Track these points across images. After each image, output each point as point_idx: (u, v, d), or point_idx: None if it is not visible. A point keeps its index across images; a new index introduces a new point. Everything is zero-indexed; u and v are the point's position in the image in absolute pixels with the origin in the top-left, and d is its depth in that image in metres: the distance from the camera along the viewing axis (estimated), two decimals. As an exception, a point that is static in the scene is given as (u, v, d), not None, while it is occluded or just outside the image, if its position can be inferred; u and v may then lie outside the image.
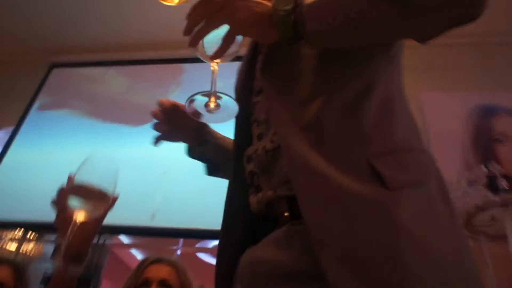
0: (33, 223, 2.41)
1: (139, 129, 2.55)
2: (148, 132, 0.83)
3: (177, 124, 0.85)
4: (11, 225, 2.53)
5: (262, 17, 0.60)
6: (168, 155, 2.17)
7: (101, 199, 0.80)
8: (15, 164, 2.55)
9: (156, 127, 0.86)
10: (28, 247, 3.00)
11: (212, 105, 0.66)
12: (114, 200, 0.83)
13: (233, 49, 0.66)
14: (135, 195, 2.20)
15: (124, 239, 3.94)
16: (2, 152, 2.63)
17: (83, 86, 2.89)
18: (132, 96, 2.78)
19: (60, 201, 0.80)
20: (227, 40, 0.62)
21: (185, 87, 2.75)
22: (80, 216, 0.78)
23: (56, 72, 2.96)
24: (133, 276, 1.24)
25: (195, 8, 0.61)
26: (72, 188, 0.78)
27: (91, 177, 0.79)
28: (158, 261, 1.25)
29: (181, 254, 2.59)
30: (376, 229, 0.48)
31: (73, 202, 0.78)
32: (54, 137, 2.61)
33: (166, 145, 0.88)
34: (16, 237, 2.80)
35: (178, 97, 0.78)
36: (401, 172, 0.53)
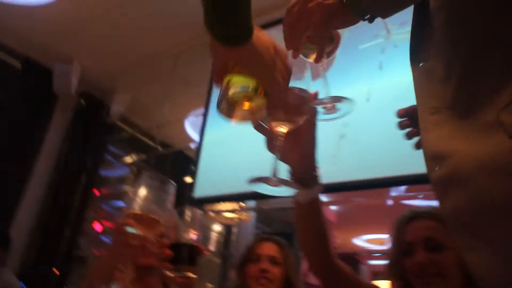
0: (238, 194, 2.59)
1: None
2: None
3: None
4: (222, 198, 2.77)
5: (335, 8, 0.62)
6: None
7: (299, 106, 0.68)
8: (213, 142, 2.77)
9: (408, 136, 0.86)
10: (240, 215, 3.34)
11: (328, 107, 0.73)
12: (313, 99, 0.72)
13: (330, 47, 0.72)
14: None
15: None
16: (200, 133, 2.88)
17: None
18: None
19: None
20: (318, 42, 0.68)
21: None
22: (281, 129, 0.67)
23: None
24: (395, 241, 1.03)
25: (284, 32, 0.68)
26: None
27: None
28: (416, 216, 0.98)
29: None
30: (496, 191, 0.42)
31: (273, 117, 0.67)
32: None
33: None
34: (230, 208, 3.13)
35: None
36: None
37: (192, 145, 3.42)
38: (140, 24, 3.32)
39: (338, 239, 5.38)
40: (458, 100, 0.51)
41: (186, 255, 0.86)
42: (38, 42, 3.74)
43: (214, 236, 4.53)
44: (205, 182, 2.68)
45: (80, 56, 3.89)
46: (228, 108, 0.62)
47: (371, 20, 0.62)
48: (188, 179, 2.99)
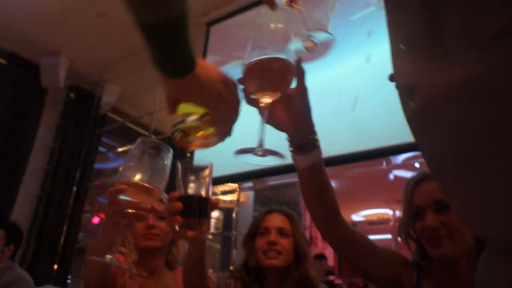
0: (236, 174, 2.59)
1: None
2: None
3: None
4: (219, 180, 2.78)
5: None
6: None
7: (281, 75, 0.67)
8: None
9: None
10: (239, 196, 3.35)
11: (309, 45, 0.74)
12: (299, 64, 0.69)
13: None
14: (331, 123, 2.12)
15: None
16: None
17: (241, 33, 2.90)
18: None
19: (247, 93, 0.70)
20: None
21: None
22: (265, 100, 0.67)
23: (214, 29, 3.04)
24: (405, 204, 1.01)
25: None
26: (248, 75, 0.68)
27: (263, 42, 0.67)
28: (425, 178, 0.96)
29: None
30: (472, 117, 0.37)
31: (252, 87, 0.68)
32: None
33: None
34: (228, 189, 3.13)
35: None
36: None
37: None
38: (126, 12, 3.27)
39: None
40: (427, 29, 0.46)
41: (196, 208, 0.82)
42: (22, 35, 3.67)
43: (212, 221, 4.53)
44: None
45: (67, 48, 3.83)
46: (182, 137, 0.65)
47: None
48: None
